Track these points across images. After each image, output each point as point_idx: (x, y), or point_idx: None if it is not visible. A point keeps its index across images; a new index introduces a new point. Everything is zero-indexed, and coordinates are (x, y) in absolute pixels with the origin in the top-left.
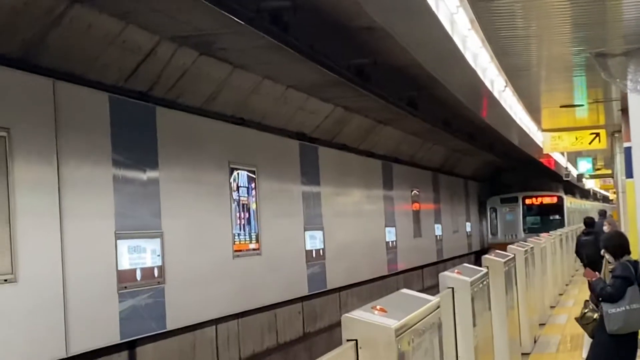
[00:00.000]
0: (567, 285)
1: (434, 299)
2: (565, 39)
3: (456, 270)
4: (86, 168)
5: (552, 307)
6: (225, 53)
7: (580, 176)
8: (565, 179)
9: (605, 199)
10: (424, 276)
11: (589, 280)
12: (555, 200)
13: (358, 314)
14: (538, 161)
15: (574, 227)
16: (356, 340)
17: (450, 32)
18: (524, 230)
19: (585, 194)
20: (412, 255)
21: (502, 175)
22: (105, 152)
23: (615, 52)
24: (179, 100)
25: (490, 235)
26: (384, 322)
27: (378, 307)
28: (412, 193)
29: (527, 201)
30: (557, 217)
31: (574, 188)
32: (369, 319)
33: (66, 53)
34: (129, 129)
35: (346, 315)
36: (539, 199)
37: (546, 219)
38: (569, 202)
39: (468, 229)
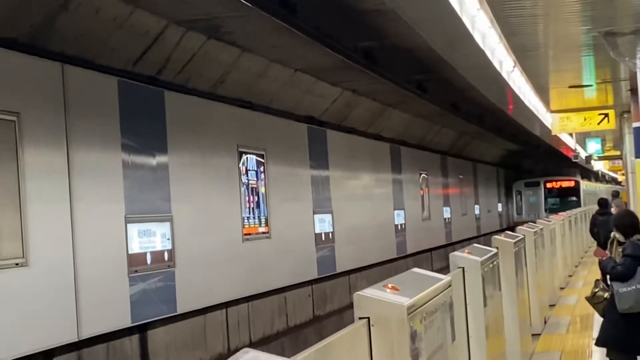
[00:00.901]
0: (576, 266)
1: (445, 278)
2: (573, 17)
3: (466, 250)
4: (96, 152)
5: (561, 288)
6: (233, 36)
7: (588, 158)
8: (574, 160)
9: (614, 182)
10: (433, 259)
11: (599, 259)
12: (572, 184)
13: (370, 291)
14: (556, 150)
15: (583, 209)
16: (368, 318)
17: (459, 12)
18: (545, 210)
19: (599, 178)
20: (421, 238)
21: (523, 162)
22: (114, 137)
23: (625, 31)
24: (187, 84)
25: (516, 215)
26: (396, 300)
27: (390, 285)
28: (421, 176)
29: (548, 185)
30: (574, 198)
31: (589, 173)
32: (381, 297)
33: (75, 37)
34: (138, 114)
35: (358, 293)
36: (558, 183)
37: (564, 200)
38: (585, 185)
39: (477, 211)
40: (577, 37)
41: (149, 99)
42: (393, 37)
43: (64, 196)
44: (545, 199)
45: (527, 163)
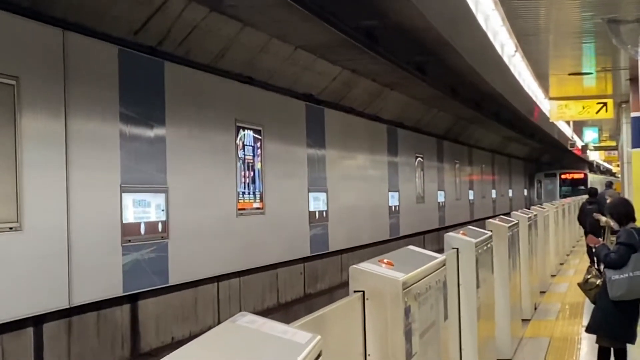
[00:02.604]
0: (567, 255)
1: (439, 257)
2: (575, 2)
3: (461, 232)
4: (94, 120)
5: (552, 275)
6: (235, 10)
7: (585, 147)
8: (569, 148)
9: (609, 173)
10: (425, 242)
11: (589, 245)
12: (582, 176)
13: (366, 265)
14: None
15: (576, 199)
16: (363, 291)
17: None
18: (560, 195)
19: (602, 171)
20: (414, 221)
21: (542, 157)
22: (113, 106)
23: (628, 18)
24: (187, 57)
25: (536, 199)
26: (391, 275)
27: (385, 260)
28: (417, 159)
29: (563, 176)
30: (582, 187)
31: (594, 167)
32: (377, 271)
33: (77, 4)
34: (138, 84)
35: (354, 266)
36: (571, 175)
37: (575, 188)
38: (591, 177)
39: (471, 197)
40: (578, 23)
41: (149, 69)
42: (395, 16)
43: (60, 163)
44: (560, 187)
45: (546, 159)
